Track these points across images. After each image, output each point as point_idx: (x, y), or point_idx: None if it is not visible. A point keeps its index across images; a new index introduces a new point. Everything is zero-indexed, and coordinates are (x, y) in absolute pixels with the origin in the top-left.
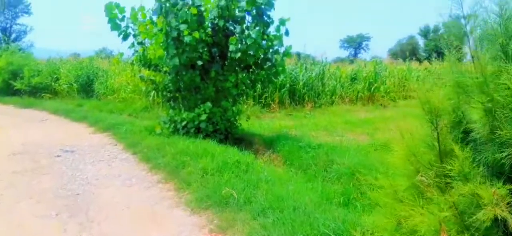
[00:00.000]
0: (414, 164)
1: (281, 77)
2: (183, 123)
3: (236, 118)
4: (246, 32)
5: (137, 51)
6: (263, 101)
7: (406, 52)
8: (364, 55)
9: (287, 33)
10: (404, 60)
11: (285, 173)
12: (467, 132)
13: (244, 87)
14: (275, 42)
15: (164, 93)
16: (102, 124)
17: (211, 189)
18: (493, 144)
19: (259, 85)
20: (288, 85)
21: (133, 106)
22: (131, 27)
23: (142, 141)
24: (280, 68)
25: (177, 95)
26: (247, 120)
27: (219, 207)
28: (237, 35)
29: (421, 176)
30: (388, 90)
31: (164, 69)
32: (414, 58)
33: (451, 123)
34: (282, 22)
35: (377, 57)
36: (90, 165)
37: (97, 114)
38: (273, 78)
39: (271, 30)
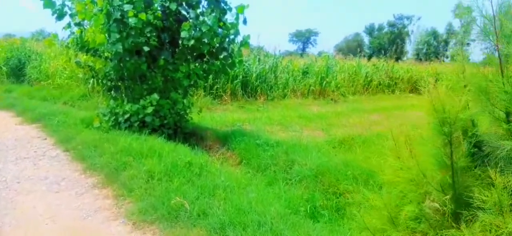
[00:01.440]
0: (423, 185)
1: (237, 69)
2: (126, 116)
3: (187, 111)
4: (201, 18)
5: (73, 33)
6: (214, 92)
7: (352, 48)
8: (312, 50)
9: (245, 21)
10: (354, 55)
11: (243, 176)
12: (479, 147)
13: (196, 78)
14: (232, 31)
15: (105, 81)
16: (31, 114)
17: (158, 197)
18: None
19: (211, 75)
20: (241, 76)
21: (69, 93)
22: (68, 6)
23: (76, 135)
24: (237, 59)
25: (119, 84)
26: (199, 114)
27: (168, 221)
28: (190, 20)
29: (432, 201)
30: (338, 85)
31: (105, 54)
32: (359, 55)
33: (463, 136)
34: (240, 9)
35: (324, 52)
36: (11, 164)
37: (26, 102)
38: (228, 70)
39: (228, 17)
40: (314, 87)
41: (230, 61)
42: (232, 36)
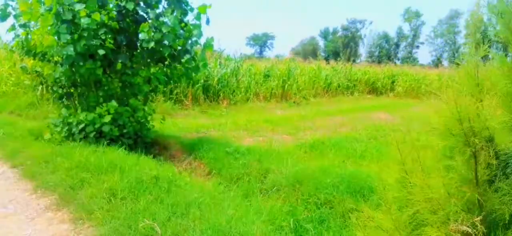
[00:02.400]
0: (447, 206)
1: (201, 72)
2: (81, 126)
3: (148, 119)
4: (161, 18)
5: (18, 36)
6: (175, 97)
7: (308, 51)
8: (269, 53)
9: (208, 22)
10: (313, 58)
11: (216, 188)
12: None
13: (157, 83)
14: (195, 32)
15: (55, 88)
16: None
17: (123, 220)
18: None
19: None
20: (202, 81)
21: (16, 101)
22: (12, 6)
23: (25, 149)
24: (201, 62)
25: (72, 91)
26: (162, 122)
27: None
28: (149, 21)
29: (460, 224)
30: (300, 88)
31: (55, 58)
32: (318, 58)
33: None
34: (202, 9)
35: (281, 55)
36: None
37: None
38: (193, 74)
39: (189, 18)
40: (276, 90)
41: (193, 64)
42: (194, 38)
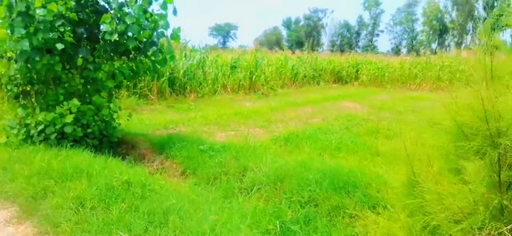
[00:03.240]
0: (473, 214)
1: (167, 65)
2: (40, 128)
3: (113, 117)
4: (124, 8)
5: None
6: (139, 91)
7: (272, 41)
8: (232, 43)
9: (175, 12)
10: (277, 48)
11: (193, 190)
12: None
13: (123, 78)
14: (161, 23)
15: (9, 87)
16: None
17: (95, 233)
18: None
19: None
20: (167, 74)
21: None
22: None
23: None
24: (168, 55)
25: (28, 89)
26: (128, 119)
27: None
28: (112, 12)
29: (488, 234)
30: (267, 79)
31: (8, 54)
32: (282, 48)
33: None
34: None
35: (244, 46)
36: None
37: None
38: (159, 67)
39: (155, 8)
40: (244, 81)
41: (160, 57)
42: (161, 29)
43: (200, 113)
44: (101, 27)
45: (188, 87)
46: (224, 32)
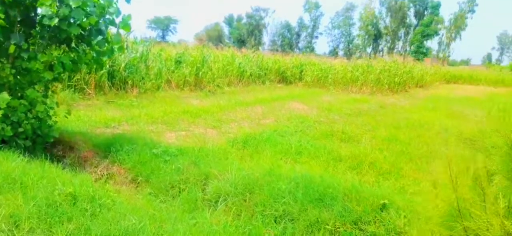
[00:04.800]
0: None
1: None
2: None
3: (49, 114)
4: None
5: None
6: (74, 84)
7: (213, 37)
8: (172, 38)
9: None
10: (223, 44)
11: (151, 204)
12: None
13: (62, 70)
14: (111, 9)
15: None
16: None
17: None
18: None
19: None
20: (107, 66)
21: None
22: None
23: None
24: (117, 45)
25: None
26: (67, 116)
27: None
28: None
29: None
30: (214, 76)
31: None
32: (223, 44)
33: None
34: None
35: (184, 40)
36: None
37: None
38: (106, 58)
39: None
40: (190, 78)
41: (106, 47)
42: (108, 16)
43: (144, 110)
44: (39, 10)
45: (129, 81)
46: (163, 25)
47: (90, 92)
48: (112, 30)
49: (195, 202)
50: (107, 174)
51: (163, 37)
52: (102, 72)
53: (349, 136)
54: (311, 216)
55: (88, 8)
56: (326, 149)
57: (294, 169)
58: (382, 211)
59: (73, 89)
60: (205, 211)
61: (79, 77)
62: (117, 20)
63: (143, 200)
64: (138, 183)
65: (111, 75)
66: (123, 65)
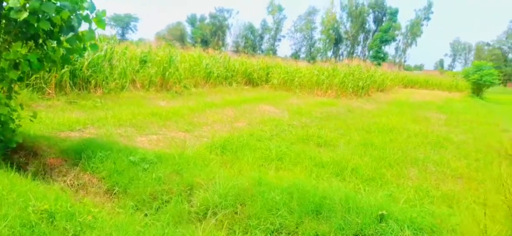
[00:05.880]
0: None
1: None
2: None
3: (13, 117)
4: None
5: None
6: (33, 83)
7: (175, 37)
8: (132, 36)
9: None
10: (183, 44)
11: (135, 219)
12: None
13: (29, 69)
14: (84, 4)
15: None
16: None
17: None
18: None
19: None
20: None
21: None
22: None
23: None
24: (90, 43)
25: None
26: (32, 120)
27: None
28: None
29: None
30: (181, 77)
31: None
32: (182, 43)
33: None
34: None
35: (144, 39)
36: None
37: None
38: (78, 57)
39: None
40: (155, 78)
41: (77, 44)
42: (80, 11)
43: (110, 112)
44: (5, 3)
45: (92, 81)
46: (123, 23)
47: (50, 91)
48: (83, 26)
49: (182, 215)
50: (78, 184)
51: (122, 35)
52: (63, 70)
53: (325, 141)
54: (309, 229)
55: (59, 1)
56: (306, 155)
57: (282, 177)
58: (380, 222)
59: (31, 88)
60: (195, 225)
61: (38, 76)
62: (91, 16)
63: (127, 217)
64: (114, 194)
65: (72, 74)
66: (86, 63)
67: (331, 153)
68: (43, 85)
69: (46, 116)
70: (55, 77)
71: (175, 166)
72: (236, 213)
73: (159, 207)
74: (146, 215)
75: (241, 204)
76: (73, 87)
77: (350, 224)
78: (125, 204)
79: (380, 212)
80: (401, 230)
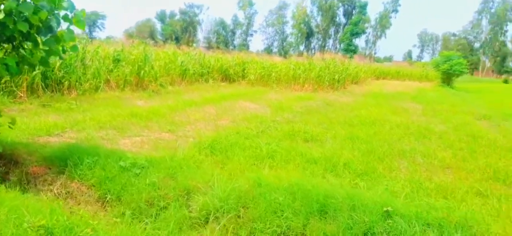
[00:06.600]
0: None
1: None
2: None
3: None
4: None
5: None
6: (3, 86)
7: (144, 33)
8: (99, 34)
9: None
10: (153, 40)
11: (134, 229)
12: None
13: (6, 72)
14: (64, 4)
15: None
16: None
17: None
18: None
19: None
20: (40, 66)
21: None
22: None
23: None
24: (68, 44)
25: None
26: (11, 127)
27: None
28: None
29: None
30: (157, 75)
31: None
32: (152, 41)
33: None
34: None
35: (112, 37)
36: None
37: None
38: (59, 59)
39: None
40: (130, 77)
41: (56, 46)
42: (57, 11)
43: (87, 114)
44: None
45: (65, 82)
46: (90, 21)
47: (22, 95)
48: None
49: (183, 221)
50: (65, 193)
51: (90, 33)
52: (35, 72)
53: (311, 136)
54: (316, 230)
55: (37, 2)
56: (296, 151)
57: (280, 177)
58: (387, 219)
59: (1, 92)
60: (198, 231)
61: (8, 79)
62: (70, 16)
63: (124, 225)
64: (107, 202)
65: (44, 76)
66: (58, 64)
67: (320, 148)
68: (14, 88)
69: (21, 121)
70: (27, 79)
71: (168, 170)
72: (239, 217)
73: (157, 214)
74: (146, 223)
75: (243, 207)
76: (45, 89)
77: (358, 223)
78: (120, 212)
79: (385, 209)
80: (410, 226)
